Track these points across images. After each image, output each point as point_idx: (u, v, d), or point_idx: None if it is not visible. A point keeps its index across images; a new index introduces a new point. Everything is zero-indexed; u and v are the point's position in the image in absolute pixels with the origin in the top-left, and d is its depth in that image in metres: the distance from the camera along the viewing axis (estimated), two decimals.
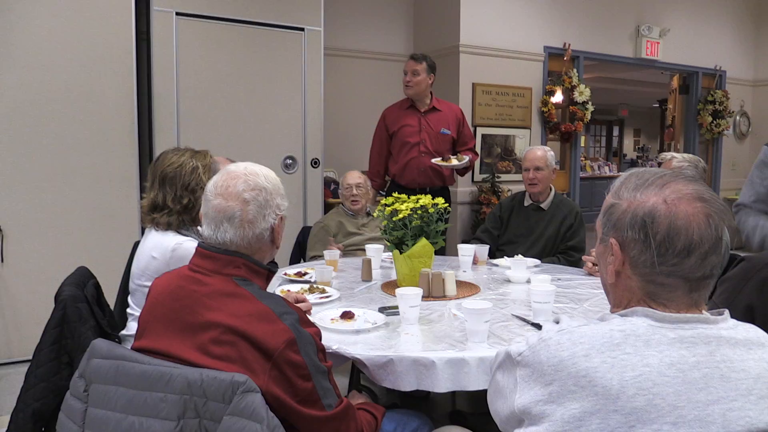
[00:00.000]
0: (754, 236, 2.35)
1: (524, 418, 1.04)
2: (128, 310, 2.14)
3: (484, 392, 1.76)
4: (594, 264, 2.71)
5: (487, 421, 2.60)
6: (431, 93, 3.96)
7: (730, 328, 1.02)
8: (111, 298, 2.37)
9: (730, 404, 0.95)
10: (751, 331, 1.04)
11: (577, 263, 3.22)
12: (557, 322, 1.09)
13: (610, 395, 0.94)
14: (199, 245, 1.40)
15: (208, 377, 1.19)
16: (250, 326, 1.25)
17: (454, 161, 3.79)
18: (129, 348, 1.92)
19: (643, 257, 1.03)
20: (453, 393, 2.85)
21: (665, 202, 1.01)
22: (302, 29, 4.36)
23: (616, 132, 17.69)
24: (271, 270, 1.45)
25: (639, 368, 0.95)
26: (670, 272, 1.01)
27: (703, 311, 1.04)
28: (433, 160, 3.82)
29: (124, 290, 2.54)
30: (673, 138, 7.47)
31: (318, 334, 1.35)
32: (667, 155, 2.77)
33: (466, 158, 3.84)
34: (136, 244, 2.60)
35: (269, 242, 1.43)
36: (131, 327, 2.10)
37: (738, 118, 7.38)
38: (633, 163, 16.17)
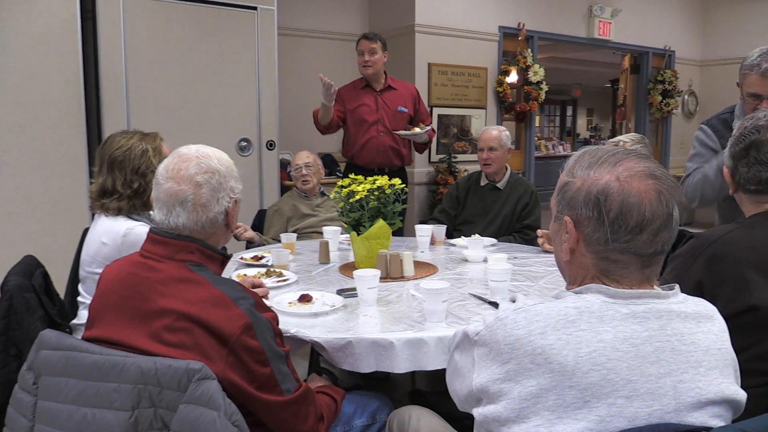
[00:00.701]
0: (695, 185, 2.38)
1: (482, 396, 1.05)
2: (79, 299, 2.08)
3: (442, 371, 1.78)
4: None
5: (446, 399, 2.64)
6: (385, 72, 3.94)
7: (680, 302, 1.05)
8: (61, 287, 2.30)
9: (681, 376, 0.98)
10: (700, 304, 1.07)
11: (533, 241, 3.27)
12: (513, 301, 1.10)
13: (565, 371, 0.96)
14: (150, 230, 1.37)
15: (162, 365, 1.17)
16: (205, 312, 1.22)
17: (417, 129, 3.79)
18: (80, 337, 1.88)
19: (596, 234, 1.05)
20: (413, 373, 2.87)
21: (618, 179, 1.03)
22: (255, 8, 4.26)
23: (569, 112, 17.97)
24: (225, 255, 1.42)
25: (593, 344, 0.97)
26: (623, 249, 1.03)
27: (655, 286, 1.07)
28: (396, 132, 3.82)
29: (74, 278, 2.47)
30: (624, 117, 7.62)
31: (275, 319, 1.33)
32: (615, 141, 2.82)
33: (429, 126, 3.86)
34: (86, 231, 2.53)
35: (223, 226, 1.41)
36: (82, 316, 2.05)
37: (686, 97, 7.58)
38: (586, 142, 16.47)
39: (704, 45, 7.67)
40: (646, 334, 0.99)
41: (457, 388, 1.16)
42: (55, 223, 3.56)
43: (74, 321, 2.06)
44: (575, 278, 1.13)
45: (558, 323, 0.99)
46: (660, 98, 7.15)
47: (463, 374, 1.12)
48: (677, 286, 1.07)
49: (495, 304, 1.92)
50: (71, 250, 2.49)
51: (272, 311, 1.35)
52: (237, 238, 3.06)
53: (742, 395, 1.04)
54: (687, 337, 1.01)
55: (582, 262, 1.10)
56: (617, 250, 1.04)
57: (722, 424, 1.00)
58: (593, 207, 1.04)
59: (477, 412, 1.07)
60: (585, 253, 1.08)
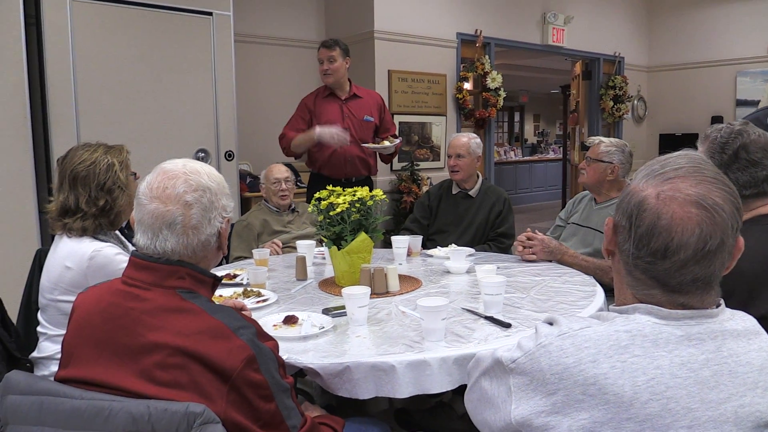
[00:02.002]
0: None
1: (523, 430, 0.96)
2: (39, 329, 1.88)
3: None
4: (525, 246, 2.70)
5: (432, 417, 2.55)
6: (349, 80, 3.84)
7: (729, 319, 0.98)
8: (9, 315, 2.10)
9: (741, 400, 0.91)
10: (746, 319, 1.01)
11: (507, 250, 3.23)
12: (551, 323, 1.01)
13: (622, 403, 0.87)
14: (133, 255, 1.22)
15: (157, 410, 1.03)
16: (203, 345, 1.09)
17: (386, 143, 3.70)
18: (46, 374, 1.69)
19: (626, 245, 0.99)
20: None
21: (657, 197, 0.94)
22: (210, 14, 4.09)
23: (517, 118, 18.24)
24: (216, 278, 1.29)
25: (650, 371, 0.89)
26: (645, 269, 0.96)
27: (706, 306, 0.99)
28: (365, 144, 3.71)
29: (26, 306, 2.27)
30: (577, 122, 7.74)
31: (276, 348, 1.21)
32: (594, 139, 2.80)
33: (398, 139, 3.78)
34: (39, 253, 2.33)
35: (215, 249, 1.27)
36: (43, 348, 1.85)
37: (636, 102, 7.76)
38: (534, 148, 16.75)
39: (651, 51, 7.89)
40: (703, 357, 0.91)
41: (488, 419, 1.06)
42: None
43: (34, 354, 1.86)
44: (615, 283, 1.07)
45: (610, 350, 0.91)
46: (611, 103, 7.30)
47: (497, 404, 1.03)
48: (722, 302, 1.00)
49: (491, 319, 1.83)
50: (18, 275, 2.27)
51: (273, 339, 1.22)
52: None
53: None
54: (742, 357, 0.94)
55: (617, 268, 1.04)
56: (639, 268, 0.97)
57: None
58: (628, 217, 0.98)
59: None
60: (619, 261, 1.02)
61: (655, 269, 0.95)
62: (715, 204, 0.91)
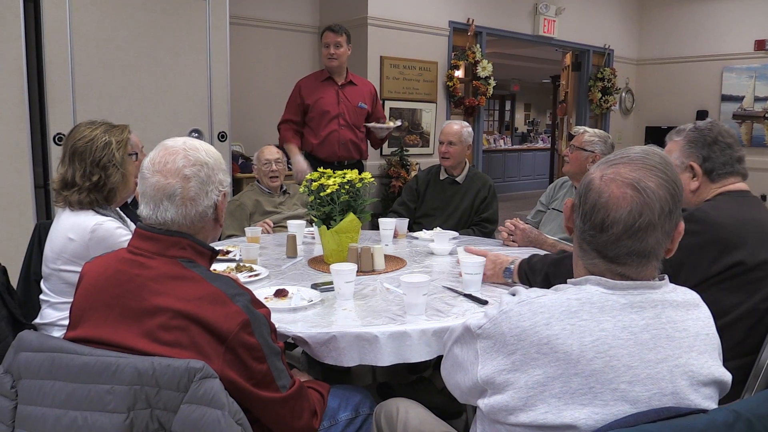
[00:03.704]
0: None
1: (487, 387, 1.08)
2: (42, 297, 1.97)
3: (405, 364, 1.81)
4: (509, 234, 2.82)
5: (413, 390, 2.67)
6: (347, 67, 3.93)
7: (671, 291, 1.11)
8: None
9: (676, 361, 1.04)
10: (687, 293, 1.14)
11: (491, 234, 3.35)
12: (514, 294, 1.13)
13: (571, 359, 1.00)
14: (138, 226, 1.32)
15: (161, 365, 1.13)
16: (202, 309, 1.20)
17: (391, 123, 3.88)
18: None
19: (577, 220, 1.13)
20: (373, 367, 2.89)
21: (601, 178, 1.09)
22: None
23: (508, 106, 18.33)
24: (214, 251, 1.39)
25: (596, 333, 1.02)
26: (589, 242, 1.10)
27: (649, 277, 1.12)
28: (369, 124, 3.86)
29: (25, 277, 2.36)
30: (565, 113, 7.86)
31: (269, 314, 1.32)
32: (579, 128, 2.92)
33: (399, 120, 3.92)
34: (39, 227, 2.42)
35: (213, 221, 1.38)
36: (46, 315, 1.95)
37: (624, 94, 7.88)
38: (524, 137, 16.86)
39: (640, 45, 7.99)
40: (643, 323, 1.04)
41: (459, 381, 1.18)
42: None
43: (37, 320, 1.96)
44: (574, 261, 1.19)
45: (561, 314, 1.03)
46: (600, 95, 7.41)
47: (466, 367, 1.15)
48: (667, 277, 1.13)
49: (470, 297, 1.95)
50: (14, 248, 2.36)
51: (266, 307, 1.33)
52: None
53: (728, 376, 1.11)
54: (679, 324, 1.07)
55: (574, 244, 1.18)
56: (586, 241, 1.11)
57: (713, 404, 1.08)
58: (579, 195, 1.13)
59: (482, 402, 1.09)
60: (574, 235, 1.16)
61: (596, 241, 1.09)
62: (647, 187, 1.05)
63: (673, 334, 1.06)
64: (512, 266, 2.11)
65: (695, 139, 1.81)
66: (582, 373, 1.00)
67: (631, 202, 1.05)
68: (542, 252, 2.37)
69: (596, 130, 2.90)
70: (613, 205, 1.05)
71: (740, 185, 1.79)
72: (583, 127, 2.97)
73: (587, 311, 1.04)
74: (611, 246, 1.07)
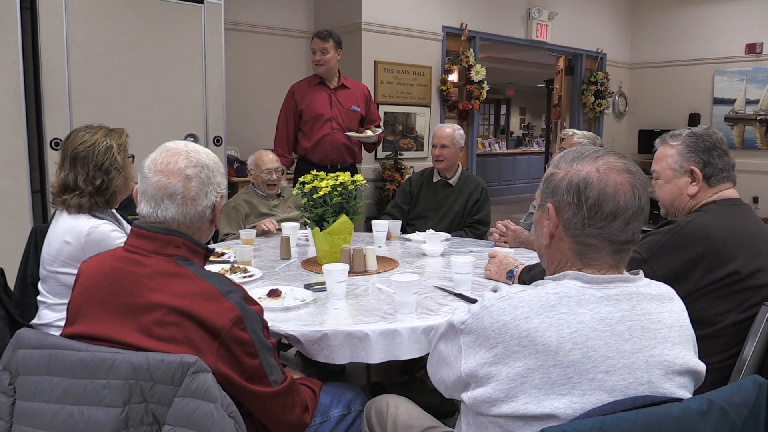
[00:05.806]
0: None
1: (471, 381, 1.12)
2: (39, 298, 2.01)
3: (398, 365, 1.85)
4: (501, 235, 2.87)
5: (405, 389, 2.71)
6: (338, 70, 3.97)
7: (645, 285, 1.16)
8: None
9: (651, 351, 1.08)
10: (662, 287, 1.19)
11: (483, 236, 3.39)
12: (495, 291, 1.17)
13: (549, 351, 1.04)
14: (135, 225, 1.36)
15: (155, 360, 1.17)
16: (196, 306, 1.23)
17: (369, 132, 3.85)
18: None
19: (575, 219, 1.15)
20: (368, 366, 2.93)
21: (598, 171, 1.13)
22: (201, 2, 4.18)
23: (503, 110, 18.41)
24: (208, 250, 1.43)
25: (573, 325, 1.06)
26: (598, 234, 1.13)
27: (623, 272, 1.17)
28: (348, 133, 3.85)
29: (22, 280, 2.39)
30: (559, 116, 7.91)
31: (261, 311, 1.36)
32: (569, 131, 2.96)
33: (380, 129, 3.92)
34: (36, 231, 2.45)
35: (209, 221, 1.42)
36: (43, 316, 1.98)
37: (617, 98, 7.94)
38: (519, 141, 16.94)
39: (633, 49, 8.06)
40: (619, 315, 1.09)
41: (444, 376, 1.22)
42: None
43: (34, 321, 1.99)
44: (552, 263, 1.23)
45: (541, 308, 1.07)
46: (593, 99, 7.47)
47: (450, 362, 1.18)
48: (641, 272, 1.18)
49: (460, 296, 1.99)
50: (10, 251, 2.39)
51: (259, 304, 1.37)
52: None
53: (702, 367, 1.16)
54: (654, 316, 1.12)
55: (560, 246, 1.19)
56: (592, 234, 1.14)
57: (688, 393, 1.12)
58: (574, 194, 1.15)
59: (466, 396, 1.13)
60: (563, 238, 1.18)
61: (608, 231, 1.13)
62: (637, 170, 1.16)
63: (648, 326, 1.10)
64: (516, 270, 2.17)
65: (694, 144, 1.85)
66: (561, 364, 1.03)
67: (633, 185, 1.13)
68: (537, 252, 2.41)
69: (585, 132, 2.95)
70: (621, 191, 1.12)
71: (732, 191, 1.85)
72: (572, 129, 3.02)
73: (565, 305, 1.08)
74: (621, 232, 1.13)
